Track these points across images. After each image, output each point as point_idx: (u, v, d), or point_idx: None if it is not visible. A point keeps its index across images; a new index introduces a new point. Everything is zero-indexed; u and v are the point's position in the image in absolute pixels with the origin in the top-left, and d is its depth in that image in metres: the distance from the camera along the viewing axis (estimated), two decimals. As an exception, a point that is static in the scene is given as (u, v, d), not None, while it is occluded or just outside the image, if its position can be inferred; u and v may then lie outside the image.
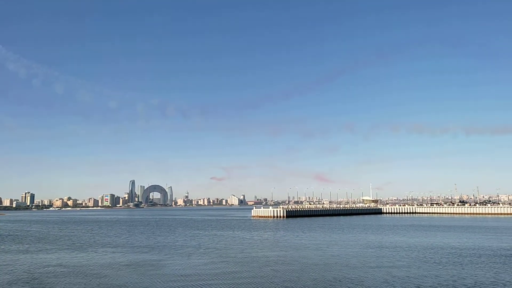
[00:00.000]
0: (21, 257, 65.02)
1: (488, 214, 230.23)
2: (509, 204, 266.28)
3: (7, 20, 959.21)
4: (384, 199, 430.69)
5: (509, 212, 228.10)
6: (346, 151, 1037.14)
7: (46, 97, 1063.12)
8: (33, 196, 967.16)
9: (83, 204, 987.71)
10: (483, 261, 52.54)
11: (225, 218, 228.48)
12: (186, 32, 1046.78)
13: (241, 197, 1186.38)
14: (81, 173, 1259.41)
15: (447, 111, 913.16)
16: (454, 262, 52.46)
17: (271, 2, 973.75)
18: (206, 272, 47.86)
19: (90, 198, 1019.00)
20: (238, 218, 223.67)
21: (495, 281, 39.70)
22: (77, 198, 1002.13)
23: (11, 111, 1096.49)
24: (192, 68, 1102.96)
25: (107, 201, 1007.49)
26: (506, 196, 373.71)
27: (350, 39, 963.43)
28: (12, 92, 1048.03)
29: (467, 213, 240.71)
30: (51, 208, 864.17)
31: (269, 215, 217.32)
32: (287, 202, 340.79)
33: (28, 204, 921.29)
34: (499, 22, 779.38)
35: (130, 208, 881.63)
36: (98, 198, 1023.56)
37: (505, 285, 37.73)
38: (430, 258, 56.26)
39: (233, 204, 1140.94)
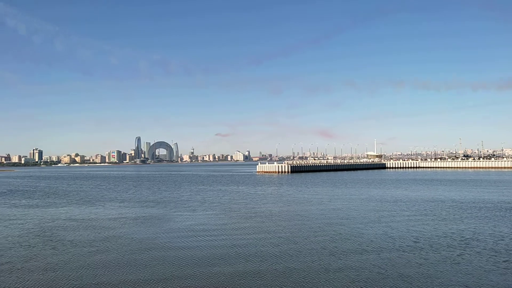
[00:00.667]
0: (31, 211, 66.86)
1: (492, 168, 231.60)
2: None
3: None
4: (388, 154, 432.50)
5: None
6: (349, 107, 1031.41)
7: (47, 53, 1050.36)
8: (41, 153, 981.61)
9: (91, 160, 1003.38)
10: (483, 214, 53.36)
11: (230, 173, 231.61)
12: None
13: (246, 153, 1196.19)
14: (87, 129, 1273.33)
15: (453, 68, 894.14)
16: (454, 215, 53.34)
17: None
18: (210, 225, 49.12)
19: (97, 155, 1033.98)
20: (243, 173, 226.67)
21: (493, 233, 40.46)
22: (84, 155, 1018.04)
23: (12, 67, 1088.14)
24: (193, 25, 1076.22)
25: (114, 158, 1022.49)
26: (510, 150, 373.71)
27: None
28: (12, 48, 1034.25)
29: (471, 167, 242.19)
30: (59, 164, 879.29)
31: (274, 170, 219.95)
32: (291, 157, 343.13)
33: (36, 160, 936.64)
34: None
35: (137, 164, 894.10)
36: (105, 154, 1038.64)
37: (503, 237, 38.46)
38: (430, 211, 57.22)
39: (238, 160, 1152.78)
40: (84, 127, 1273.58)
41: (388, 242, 37.26)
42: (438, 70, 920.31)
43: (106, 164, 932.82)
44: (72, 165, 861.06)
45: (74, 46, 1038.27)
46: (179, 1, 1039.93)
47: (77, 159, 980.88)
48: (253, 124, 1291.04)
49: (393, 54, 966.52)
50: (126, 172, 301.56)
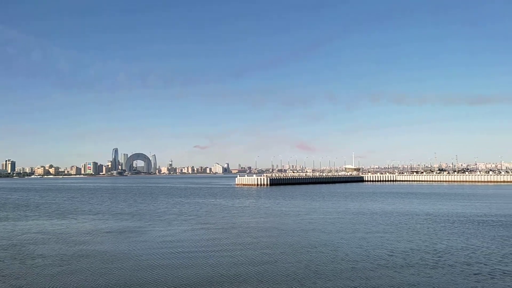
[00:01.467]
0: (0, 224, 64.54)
1: (466, 181, 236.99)
2: (486, 172, 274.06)
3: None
4: (366, 167, 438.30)
5: (485, 180, 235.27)
6: (328, 120, 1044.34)
7: (23, 64, 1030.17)
8: (14, 164, 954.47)
9: (66, 172, 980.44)
10: (456, 227, 54.28)
11: (208, 186, 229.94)
12: (162, 4, 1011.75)
13: (225, 165, 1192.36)
14: (63, 141, 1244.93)
15: (426, 82, 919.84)
16: (428, 228, 54.08)
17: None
18: (185, 238, 48.35)
19: (72, 166, 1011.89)
20: (221, 186, 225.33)
21: (466, 246, 41.11)
22: (59, 166, 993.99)
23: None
24: (173, 36, 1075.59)
25: (90, 169, 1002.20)
26: (483, 164, 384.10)
27: (329, 9, 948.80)
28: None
29: (446, 181, 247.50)
30: (32, 176, 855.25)
31: (253, 183, 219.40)
32: (271, 170, 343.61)
33: (9, 171, 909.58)
34: None
35: (114, 176, 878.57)
36: (81, 166, 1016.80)
37: (475, 250, 39.10)
38: (405, 224, 57.90)
39: (217, 172, 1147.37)
40: (59, 138, 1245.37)
41: (362, 255, 37.37)
42: (412, 85, 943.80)
43: (82, 176, 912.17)
44: (46, 176, 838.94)
45: (51, 57, 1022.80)
46: (158, 13, 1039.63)
47: (51, 170, 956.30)
48: (232, 137, 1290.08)
49: (370, 69, 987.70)
50: (102, 184, 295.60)
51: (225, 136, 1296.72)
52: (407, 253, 37.86)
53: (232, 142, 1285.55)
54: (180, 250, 41.29)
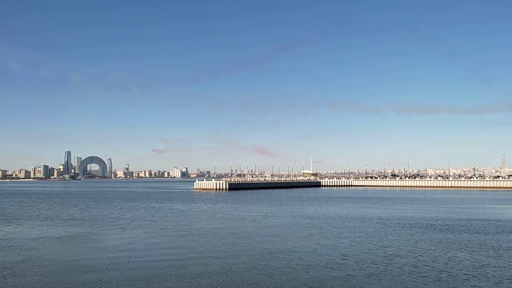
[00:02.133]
0: None
1: (417, 186, 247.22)
2: (435, 177, 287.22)
3: None
4: (324, 172, 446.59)
5: (434, 185, 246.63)
6: (287, 126, 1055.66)
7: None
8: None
9: (14, 176, 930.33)
10: (405, 231, 56.32)
11: (166, 190, 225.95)
12: (120, 2, 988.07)
13: (184, 170, 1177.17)
14: (10, 142, 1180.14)
15: (379, 92, 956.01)
16: (379, 231, 55.77)
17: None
18: (139, 244, 47.08)
19: (21, 169, 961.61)
20: (180, 190, 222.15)
21: (414, 249, 42.69)
22: (6, 169, 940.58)
23: None
24: (130, 38, 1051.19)
25: (40, 173, 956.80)
26: (433, 170, 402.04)
27: (290, 15, 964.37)
28: None
29: (398, 186, 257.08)
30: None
31: (211, 187, 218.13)
32: (230, 174, 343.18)
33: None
34: (432, 10, 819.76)
35: (66, 180, 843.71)
36: (30, 169, 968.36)
37: (422, 253, 40.65)
38: (358, 228, 59.42)
39: (175, 177, 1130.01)
40: (7, 138, 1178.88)
41: (316, 260, 37.90)
42: (366, 93, 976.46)
43: (31, 179, 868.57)
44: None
45: (0, 56, 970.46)
46: (113, 13, 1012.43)
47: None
48: (190, 140, 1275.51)
49: (328, 76, 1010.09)
50: (53, 188, 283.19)
51: (184, 140, 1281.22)
52: (359, 257, 38.78)
53: (191, 146, 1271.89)
54: (130, 258, 40.05)
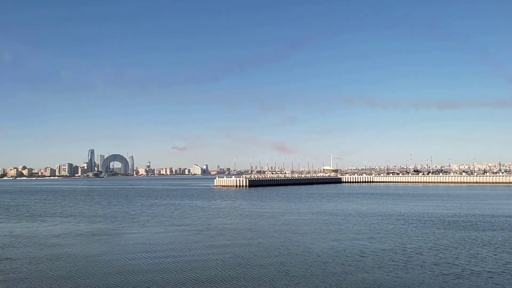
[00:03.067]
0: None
1: (440, 182, 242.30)
2: (459, 173, 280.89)
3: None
4: (344, 168, 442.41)
5: (458, 180, 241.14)
6: (304, 123, 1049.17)
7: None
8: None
9: (39, 174, 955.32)
10: (427, 227, 55.21)
11: (186, 187, 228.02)
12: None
13: (204, 167, 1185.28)
14: (36, 141, 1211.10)
15: (398, 86, 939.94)
16: (400, 228, 54.84)
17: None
18: (157, 240, 47.62)
19: (46, 168, 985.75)
20: (200, 187, 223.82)
21: (434, 246, 41.81)
22: (32, 168, 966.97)
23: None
24: (147, 39, 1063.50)
25: (65, 171, 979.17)
26: (457, 166, 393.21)
27: (303, 12, 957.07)
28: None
29: (421, 182, 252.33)
30: (5, 178, 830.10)
31: (231, 184, 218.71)
32: (250, 171, 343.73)
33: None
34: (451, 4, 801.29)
35: (90, 177, 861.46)
36: (56, 167, 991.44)
37: (444, 250, 39.78)
38: (378, 224, 58.58)
39: (195, 174, 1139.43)
40: (33, 138, 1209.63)
41: (333, 256, 37.54)
42: (384, 88, 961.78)
43: (57, 177, 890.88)
44: (19, 178, 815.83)
45: (22, 56, 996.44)
46: (132, 15, 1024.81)
47: (25, 172, 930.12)
48: (209, 137, 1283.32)
49: (344, 72, 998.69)
50: (78, 186, 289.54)
51: (203, 138, 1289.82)
52: (378, 254, 38.22)
53: (210, 143, 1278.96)
54: (151, 253, 40.59)
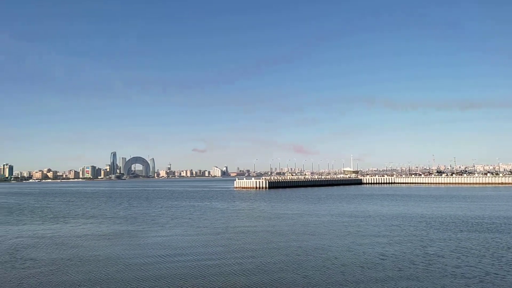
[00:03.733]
0: (-9, 229, 64.10)
1: (464, 183, 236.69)
2: (484, 174, 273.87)
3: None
4: (365, 170, 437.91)
5: (483, 181, 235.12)
6: (323, 124, 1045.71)
7: (17, 69, 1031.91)
8: (12, 168, 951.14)
9: (64, 176, 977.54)
10: (448, 230, 53.90)
11: (207, 189, 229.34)
12: (160, 7, 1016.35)
13: (224, 169, 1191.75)
14: (61, 144, 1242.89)
15: (416, 87, 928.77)
16: (421, 230, 53.69)
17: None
18: (176, 242, 47.95)
19: (70, 170, 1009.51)
20: (220, 189, 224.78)
21: (457, 249, 40.75)
22: (57, 170, 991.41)
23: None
24: (166, 44, 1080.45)
25: (88, 173, 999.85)
26: (481, 166, 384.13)
27: (321, 15, 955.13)
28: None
29: (444, 183, 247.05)
30: (30, 180, 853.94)
31: (251, 186, 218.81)
32: (269, 173, 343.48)
33: (6, 176, 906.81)
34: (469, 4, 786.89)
35: (112, 180, 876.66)
36: (79, 170, 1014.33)
37: (466, 254, 38.75)
38: (398, 226, 57.52)
39: (215, 176, 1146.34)
40: (57, 142, 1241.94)
41: (352, 259, 36.99)
42: (403, 90, 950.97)
43: (80, 180, 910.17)
44: (44, 180, 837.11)
45: (48, 63, 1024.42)
46: (151, 23, 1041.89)
47: (50, 174, 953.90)
48: (229, 140, 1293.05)
49: (362, 74, 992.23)
50: (100, 188, 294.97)
51: (223, 140, 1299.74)
52: (398, 257, 37.48)
53: (230, 145, 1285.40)
54: (168, 257, 40.83)
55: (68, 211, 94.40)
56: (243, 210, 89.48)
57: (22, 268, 35.75)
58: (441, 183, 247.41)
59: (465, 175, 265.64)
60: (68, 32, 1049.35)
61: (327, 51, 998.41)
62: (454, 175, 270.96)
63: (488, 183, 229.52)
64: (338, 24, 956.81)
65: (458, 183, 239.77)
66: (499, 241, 44.77)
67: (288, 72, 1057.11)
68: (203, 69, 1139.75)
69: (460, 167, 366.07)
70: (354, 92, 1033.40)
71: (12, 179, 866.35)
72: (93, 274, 33.33)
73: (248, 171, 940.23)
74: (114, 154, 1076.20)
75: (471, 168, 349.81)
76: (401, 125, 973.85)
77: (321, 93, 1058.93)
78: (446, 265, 34.19)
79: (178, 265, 36.18)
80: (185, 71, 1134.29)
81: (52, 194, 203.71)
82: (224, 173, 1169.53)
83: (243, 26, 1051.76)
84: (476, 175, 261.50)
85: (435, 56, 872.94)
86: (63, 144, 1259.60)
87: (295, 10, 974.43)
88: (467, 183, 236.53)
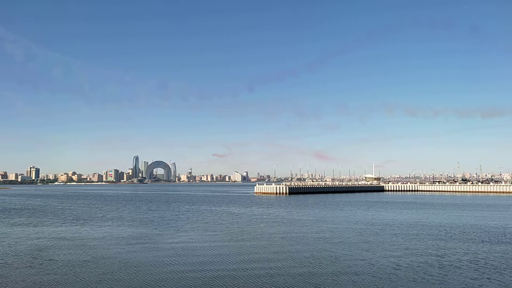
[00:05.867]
0: (15, 229, 65.78)
1: (491, 192, 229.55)
2: (511, 182, 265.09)
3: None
4: (387, 176, 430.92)
5: (510, 190, 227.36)
6: (343, 130, 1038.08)
7: (46, 78, 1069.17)
8: (38, 171, 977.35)
9: (88, 179, 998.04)
10: (467, 240, 52.21)
11: (227, 194, 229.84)
12: (181, 13, 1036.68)
13: (244, 174, 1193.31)
14: (85, 148, 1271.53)
15: (437, 94, 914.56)
16: (438, 240, 52.16)
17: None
18: (190, 247, 48.05)
19: (94, 173, 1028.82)
20: (240, 194, 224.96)
21: (474, 260, 39.40)
22: (81, 173, 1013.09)
23: (14, 87, 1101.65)
24: (186, 51, 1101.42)
25: (111, 176, 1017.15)
26: (508, 175, 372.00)
27: (341, 20, 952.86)
28: (12, 71, 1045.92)
29: (469, 191, 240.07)
30: (56, 183, 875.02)
31: (271, 191, 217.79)
32: (290, 179, 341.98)
33: (33, 178, 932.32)
34: (490, 4, 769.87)
35: (134, 183, 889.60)
36: (103, 173, 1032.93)
37: (485, 265, 37.42)
38: (415, 235, 56.01)
39: (236, 181, 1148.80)
40: (82, 146, 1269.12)
41: (365, 268, 36.22)
42: (424, 97, 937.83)
43: (103, 183, 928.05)
44: (68, 183, 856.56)
45: (73, 70, 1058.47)
46: (172, 32, 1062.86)
47: (74, 177, 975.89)
48: (249, 145, 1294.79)
49: (382, 80, 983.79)
50: (123, 191, 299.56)
51: (243, 145, 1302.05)
52: (412, 267, 36.46)
53: (250, 150, 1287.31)
54: (180, 260, 40.97)
55: (88, 214, 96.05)
56: (259, 215, 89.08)
57: (40, 269, 36.45)
58: (466, 192, 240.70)
59: (491, 183, 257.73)
60: (93, 41, 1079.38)
61: (343, 63, 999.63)
62: (480, 183, 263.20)
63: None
64: (358, 34, 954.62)
65: (484, 192, 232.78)
66: (521, 253, 43.02)
67: (305, 82, 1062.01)
68: (221, 80, 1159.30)
69: (486, 175, 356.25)
70: (375, 99, 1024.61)
71: (38, 181, 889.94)
72: (105, 277, 33.67)
73: (268, 176, 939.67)
74: (136, 158, 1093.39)
75: (498, 176, 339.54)
76: (423, 132, 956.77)
77: (340, 99, 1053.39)
78: (463, 276, 33.07)
79: (190, 268, 36.16)
80: (204, 81, 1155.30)
81: (75, 196, 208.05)
82: (244, 178, 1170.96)
83: (263, 40, 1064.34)
84: (503, 183, 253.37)
85: (452, 60, 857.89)
86: (88, 148, 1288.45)
87: (314, 25, 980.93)
88: (493, 192, 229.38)
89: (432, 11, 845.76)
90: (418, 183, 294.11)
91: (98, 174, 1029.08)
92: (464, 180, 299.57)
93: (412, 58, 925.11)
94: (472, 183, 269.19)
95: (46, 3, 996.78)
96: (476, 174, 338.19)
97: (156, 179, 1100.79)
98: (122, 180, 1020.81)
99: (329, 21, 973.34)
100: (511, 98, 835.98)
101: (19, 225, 73.24)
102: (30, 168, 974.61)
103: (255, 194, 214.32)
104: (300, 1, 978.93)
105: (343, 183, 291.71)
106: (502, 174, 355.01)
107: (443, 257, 40.72)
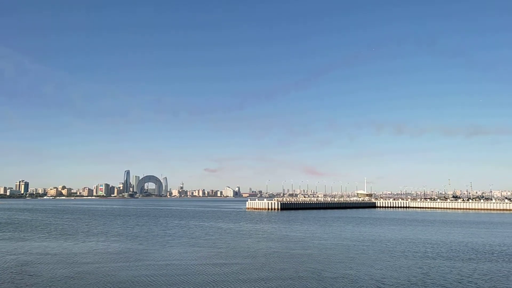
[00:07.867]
0: (2, 244, 64.47)
1: (481, 209, 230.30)
2: (502, 199, 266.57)
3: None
4: (378, 193, 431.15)
5: (500, 208, 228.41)
6: (333, 147, 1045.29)
7: (38, 92, 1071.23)
8: (27, 185, 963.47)
9: (78, 193, 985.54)
10: (454, 258, 51.91)
11: (218, 209, 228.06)
12: (173, 27, 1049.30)
13: (236, 189, 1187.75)
14: (75, 162, 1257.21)
15: (423, 112, 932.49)
16: (425, 257, 51.80)
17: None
18: (177, 261, 47.24)
19: (84, 188, 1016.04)
20: (231, 210, 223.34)
21: (460, 279, 39.06)
22: (71, 187, 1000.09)
23: (5, 102, 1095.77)
24: (178, 67, 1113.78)
25: (102, 191, 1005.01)
26: (499, 192, 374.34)
27: (330, 39, 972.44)
28: (3, 85, 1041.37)
29: (460, 208, 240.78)
30: (45, 197, 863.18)
31: (263, 207, 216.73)
32: (282, 194, 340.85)
33: (22, 192, 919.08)
34: (474, 21, 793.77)
35: (125, 198, 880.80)
36: (93, 187, 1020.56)
37: (470, 283, 37.07)
38: (402, 252, 55.62)
39: (227, 196, 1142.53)
40: (72, 160, 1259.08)
41: (347, 286, 35.67)
42: (410, 115, 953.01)
43: (94, 197, 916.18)
44: (58, 197, 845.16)
45: (64, 86, 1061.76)
46: (167, 46, 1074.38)
47: (64, 191, 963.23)
48: (241, 160, 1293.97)
49: (370, 98, 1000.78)
50: (113, 206, 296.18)
51: (234, 160, 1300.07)
52: (395, 285, 35.99)
53: (241, 165, 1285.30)
54: (170, 271, 40.14)
55: (75, 229, 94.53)
56: (248, 231, 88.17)
57: (21, 285, 35.62)
58: (457, 209, 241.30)
59: (482, 200, 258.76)
60: (85, 56, 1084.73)
61: (333, 80, 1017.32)
62: (470, 200, 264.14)
63: (506, 210, 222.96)
64: (346, 54, 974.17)
65: (475, 209, 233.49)
66: (509, 271, 42.71)
67: (295, 100, 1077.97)
68: (213, 96, 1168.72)
69: (477, 192, 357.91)
70: (362, 116, 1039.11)
71: (27, 195, 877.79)
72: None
73: (260, 191, 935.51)
74: (127, 172, 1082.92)
75: (488, 194, 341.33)
76: (411, 150, 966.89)
77: (329, 116, 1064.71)
78: (445, 295, 32.67)
79: (176, 282, 35.37)
80: (196, 97, 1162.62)
81: (63, 211, 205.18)
82: (236, 194, 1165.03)
83: (255, 57, 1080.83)
84: (494, 200, 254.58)
85: (442, 84, 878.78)
86: (78, 162, 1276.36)
87: (306, 41, 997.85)
88: (484, 209, 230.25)
89: (416, 27, 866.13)
90: (409, 199, 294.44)
91: (88, 189, 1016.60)
92: (455, 197, 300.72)
93: (401, 74, 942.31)
94: (463, 200, 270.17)
95: (37, 17, 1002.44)
96: (467, 191, 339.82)
97: (147, 193, 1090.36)
98: (112, 195, 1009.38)
99: (317, 39, 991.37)
100: (494, 117, 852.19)
101: (3, 239, 71.79)
102: (19, 182, 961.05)
103: (246, 210, 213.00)
104: (290, 19, 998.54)
105: (335, 199, 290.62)
106: (493, 191, 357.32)
107: (428, 275, 40.34)
